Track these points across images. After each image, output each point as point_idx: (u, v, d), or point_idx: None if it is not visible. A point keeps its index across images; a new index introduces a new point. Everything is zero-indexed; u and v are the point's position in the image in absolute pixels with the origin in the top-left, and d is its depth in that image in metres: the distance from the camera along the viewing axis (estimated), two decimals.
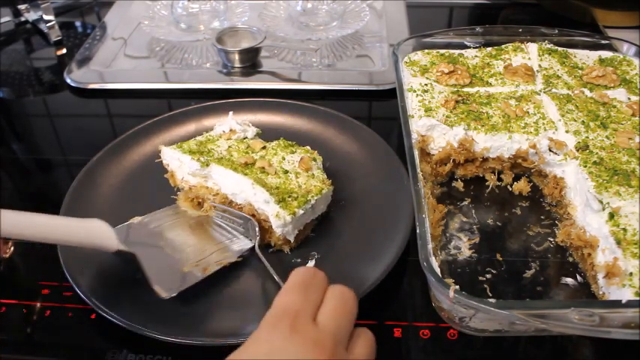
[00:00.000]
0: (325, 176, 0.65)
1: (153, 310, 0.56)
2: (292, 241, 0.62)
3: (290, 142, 0.69)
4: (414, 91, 0.74)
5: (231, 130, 0.69)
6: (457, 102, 0.72)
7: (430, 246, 0.53)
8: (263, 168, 0.64)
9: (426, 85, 0.75)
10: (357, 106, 0.91)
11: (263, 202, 0.60)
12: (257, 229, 0.61)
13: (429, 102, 0.72)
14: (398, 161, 0.71)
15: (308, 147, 0.69)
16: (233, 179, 0.62)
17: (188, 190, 0.67)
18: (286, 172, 0.64)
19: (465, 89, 0.75)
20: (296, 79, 0.95)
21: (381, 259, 0.60)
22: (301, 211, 0.59)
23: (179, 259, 0.57)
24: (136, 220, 0.60)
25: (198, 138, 0.69)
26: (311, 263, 0.62)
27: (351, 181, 0.72)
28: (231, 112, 0.72)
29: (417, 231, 0.54)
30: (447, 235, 0.64)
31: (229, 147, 0.68)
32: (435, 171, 0.70)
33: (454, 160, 0.69)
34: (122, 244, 0.55)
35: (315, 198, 0.61)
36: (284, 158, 0.66)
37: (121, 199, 0.70)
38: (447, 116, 0.69)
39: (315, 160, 0.67)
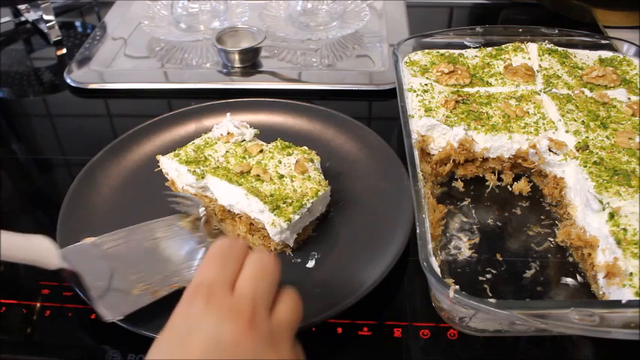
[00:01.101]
0: (322, 177, 0.65)
1: (153, 310, 0.56)
2: (292, 245, 0.62)
3: (287, 143, 0.69)
4: (414, 91, 0.73)
5: (228, 134, 0.69)
6: (457, 102, 0.72)
7: (430, 246, 0.53)
8: (258, 176, 0.63)
9: (426, 85, 0.75)
10: (357, 106, 0.91)
11: (258, 212, 0.60)
12: (201, 209, 0.61)
13: (429, 102, 0.72)
14: (398, 161, 0.71)
15: (305, 147, 0.69)
16: (228, 190, 0.63)
17: (193, 195, 0.67)
18: (282, 176, 0.64)
19: (465, 89, 0.75)
20: (296, 79, 0.95)
21: (381, 259, 0.60)
22: (297, 217, 0.59)
23: (130, 280, 0.55)
24: (89, 240, 0.58)
25: (197, 142, 0.69)
26: (311, 263, 0.62)
27: (351, 181, 0.72)
28: (228, 114, 0.72)
29: (417, 231, 0.54)
30: (447, 235, 0.64)
31: (227, 152, 0.68)
32: (435, 171, 0.70)
33: (454, 160, 0.69)
34: (65, 262, 0.53)
35: (311, 201, 0.61)
36: (280, 162, 0.66)
37: (121, 199, 0.70)
38: (447, 116, 0.69)
39: (312, 160, 0.66)
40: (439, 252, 0.62)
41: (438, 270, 0.51)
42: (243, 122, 0.71)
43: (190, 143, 0.69)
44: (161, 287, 0.55)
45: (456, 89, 0.75)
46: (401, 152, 0.69)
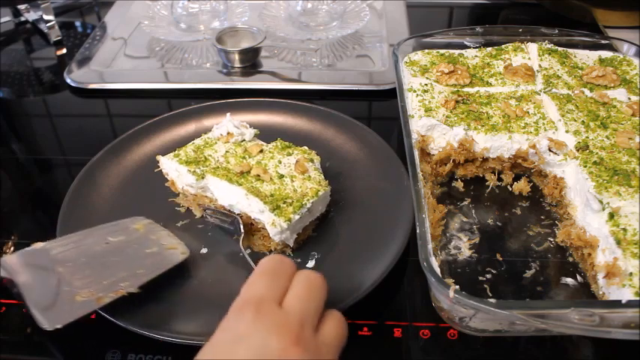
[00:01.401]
0: (322, 177, 0.65)
1: (153, 310, 0.57)
2: (292, 245, 0.62)
3: (287, 143, 0.69)
4: (414, 91, 0.73)
5: (228, 134, 0.69)
6: (457, 102, 0.72)
7: (430, 246, 0.53)
8: (258, 176, 0.63)
9: (426, 85, 0.75)
10: (357, 106, 0.91)
11: (258, 212, 0.60)
12: (241, 226, 0.62)
13: (429, 102, 0.72)
14: (398, 161, 0.71)
15: (305, 147, 0.69)
16: (228, 190, 0.63)
17: (192, 196, 0.67)
18: (282, 176, 0.64)
19: (465, 89, 0.75)
20: (296, 79, 0.95)
21: (381, 259, 0.60)
22: (297, 216, 0.59)
23: (75, 287, 0.53)
24: (39, 245, 0.56)
25: (196, 142, 0.69)
26: (311, 263, 0.62)
27: (351, 181, 0.72)
28: (228, 114, 0.72)
29: (417, 231, 0.54)
30: (447, 235, 0.64)
31: (227, 152, 0.67)
32: (435, 171, 0.70)
33: (454, 160, 0.69)
34: (2, 271, 0.52)
35: (311, 201, 0.61)
36: (280, 162, 0.66)
37: (122, 199, 0.70)
38: (447, 116, 0.69)
39: (312, 160, 0.66)
40: (439, 252, 0.62)
41: (438, 270, 0.51)
42: (243, 122, 0.71)
43: (190, 143, 0.69)
44: (106, 293, 0.53)
45: (456, 89, 0.75)
46: (401, 152, 0.69)
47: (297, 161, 0.65)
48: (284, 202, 0.60)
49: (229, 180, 0.62)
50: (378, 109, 0.91)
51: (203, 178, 0.64)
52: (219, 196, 0.64)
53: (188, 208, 0.69)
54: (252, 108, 0.82)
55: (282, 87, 0.93)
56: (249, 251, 0.63)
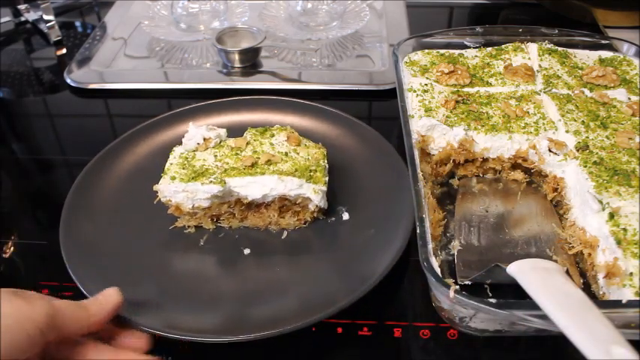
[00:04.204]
0: (312, 142, 0.70)
1: (153, 308, 0.57)
2: (326, 205, 0.66)
3: (261, 128, 0.71)
4: (414, 91, 0.73)
5: (205, 140, 0.68)
6: (457, 102, 0.72)
7: (430, 246, 0.53)
8: (269, 160, 0.66)
9: (426, 85, 0.75)
10: (357, 105, 0.91)
11: (297, 188, 0.64)
12: None
13: (429, 102, 0.72)
14: (399, 161, 0.71)
15: (277, 125, 0.72)
16: (258, 183, 0.64)
17: (206, 210, 0.66)
18: (286, 154, 0.67)
19: (465, 89, 0.75)
20: (296, 79, 0.95)
21: (382, 259, 0.60)
22: (327, 177, 0.66)
23: None
24: None
25: (175, 161, 0.66)
26: (346, 215, 0.67)
27: (351, 180, 0.72)
28: (191, 123, 0.70)
29: (417, 231, 0.54)
30: (448, 235, 0.64)
31: (215, 156, 0.67)
32: (435, 171, 0.70)
33: (454, 160, 0.69)
34: None
35: (326, 161, 0.67)
36: (272, 144, 0.68)
37: (122, 200, 0.70)
38: (447, 116, 0.69)
39: (293, 132, 0.71)
40: (439, 252, 0.62)
41: (438, 270, 0.51)
42: (210, 125, 0.70)
43: (170, 164, 0.66)
44: None
45: (456, 89, 0.75)
46: (401, 152, 0.69)
47: (288, 137, 0.69)
48: (309, 171, 0.64)
49: (253, 174, 0.64)
50: (378, 109, 0.91)
51: (225, 183, 0.63)
52: (249, 193, 0.64)
53: (196, 226, 0.67)
54: (252, 106, 0.82)
55: (282, 87, 0.93)
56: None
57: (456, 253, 0.61)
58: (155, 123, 0.80)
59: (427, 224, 0.55)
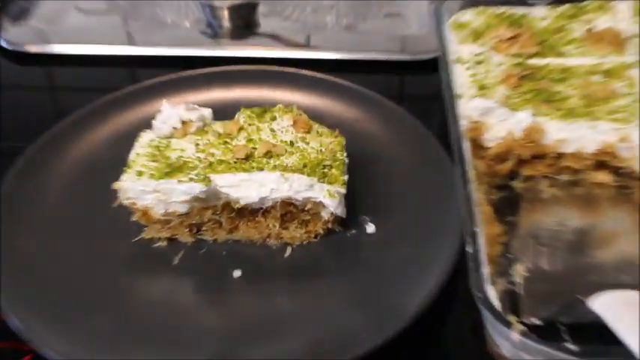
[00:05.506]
0: (326, 128, 0.70)
1: (108, 351, 0.56)
2: (344, 213, 0.65)
3: (259, 108, 0.71)
4: (464, 63, 0.74)
5: (183, 123, 0.68)
6: (521, 78, 0.71)
7: (486, 270, 0.53)
8: (269, 152, 0.65)
9: (479, 54, 0.75)
10: (385, 81, 0.91)
11: (306, 189, 0.63)
12: None
13: (484, 77, 0.72)
14: (443, 155, 0.72)
15: (280, 105, 0.72)
16: (253, 181, 0.63)
17: (183, 217, 0.66)
18: (291, 143, 0.67)
19: (532, 61, 0.75)
20: (304, 44, 0.95)
21: (418, 287, 0.60)
22: (346, 176, 0.65)
23: None
24: None
25: (142, 151, 0.66)
26: (370, 228, 0.67)
27: (378, 179, 0.72)
28: (164, 101, 0.70)
29: (468, 249, 0.54)
30: (509, 256, 0.64)
31: (198, 147, 0.67)
32: (491, 170, 0.69)
33: (517, 156, 0.69)
34: None
35: (345, 154, 0.67)
36: (273, 130, 0.69)
37: (70, 202, 0.70)
38: (507, 96, 0.69)
39: (301, 114, 0.70)
40: (498, 278, 0.61)
41: (497, 303, 0.51)
42: (190, 104, 0.70)
43: (134, 155, 0.66)
44: None
45: (519, 61, 0.74)
46: (445, 144, 0.69)
47: (294, 122, 0.69)
48: (323, 167, 0.64)
49: (246, 170, 0.64)
50: (413, 86, 0.91)
51: (210, 181, 0.62)
52: (242, 196, 0.64)
53: (169, 238, 0.67)
54: (245, 80, 0.83)
55: (285, 55, 0.93)
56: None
57: (520, 281, 0.60)
58: (116, 100, 0.80)
59: (481, 241, 0.55)
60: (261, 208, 0.66)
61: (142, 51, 0.95)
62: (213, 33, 0.97)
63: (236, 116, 0.71)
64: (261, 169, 0.64)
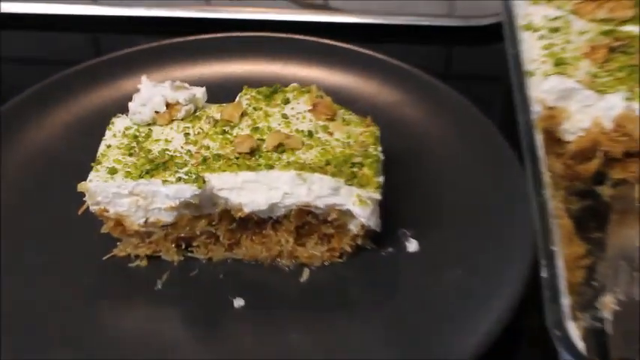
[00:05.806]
0: (354, 114, 0.70)
1: None
2: (379, 226, 0.65)
3: (268, 88, 0.72)
4: (536, 30, 0.74)
5: (169, 106, 0.69)
6: (612, 50, 0.72)
7: (566, 301, 0.53)
8: (281, 145, 0.66)
9: (556, 19, 0.75)
10: (429, 53, 0.92)
11: (329, 194, 0.63)
12: None
13: (563, 49, 0.72)
14: (507, 151, 0.72)
15: (295, 84, 0.72)
16: (259, 184, 0.64)
17: (168, 229, 0.66)
18: (310, 134, 0.67)
19: (626, 28, 0.75)
20: (321, 4, 0.97)
21: (477, 322, 0.60)
22: (382, 177, 0.64)
23: None
24: None
25: (115, 142, 0.67)
26: (412, 245, 0.68)
27: (422, 183, 0.73)
28: (143, 77, 0.71)
29: (542, 275, 0.54)
30: (595, 283, 0.64)
31: (188, 137, 0.68)
32: (571, 171, 0.70)
33: (605, 153, 0.69)
34: None
35: (380, 148, 0.66)
36: (286, 116, 0.69)
37: (22, 207, 0.71)
38: (593, 75, 0.69)
39: (322, 96, 0.71)
40: (581, 312, 0.62)
41: (579, 343, 0.51)
42: (177, 82, 0.71)
43: (104, 147, 0.67)
44: None
45: (609, 28, 0.75)
46: (510, 136, 0.69)
47: (313, 105, 0.69)
48: (352, 166, 0.64)
49: (252, 168, 0.64)
50: (466, 61, 0.92)
51: (204, 182, 0.63)
52: (246, 201, 0.64)
53: (150, 256, 0.68)
54: (248, 51, 0.84)
55: (295, 18, 0.94)
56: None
57: (609, 316, 0.61)
58: (79, 75, 0.81)
59: (560, 264, 0.55)
60: (271, 218, 0.66)
61: (108, 11, 0.95)
62: None
63: (237, 98, 0.71)
64: (271, 167, 0.64)
